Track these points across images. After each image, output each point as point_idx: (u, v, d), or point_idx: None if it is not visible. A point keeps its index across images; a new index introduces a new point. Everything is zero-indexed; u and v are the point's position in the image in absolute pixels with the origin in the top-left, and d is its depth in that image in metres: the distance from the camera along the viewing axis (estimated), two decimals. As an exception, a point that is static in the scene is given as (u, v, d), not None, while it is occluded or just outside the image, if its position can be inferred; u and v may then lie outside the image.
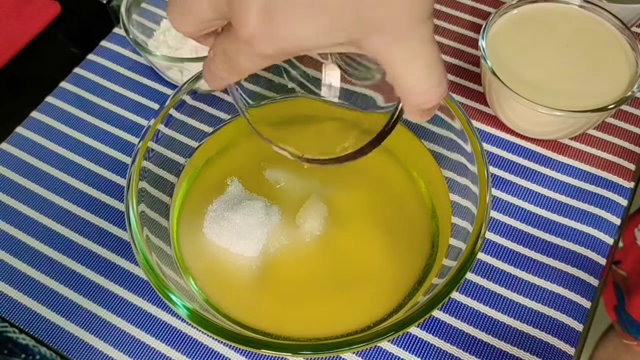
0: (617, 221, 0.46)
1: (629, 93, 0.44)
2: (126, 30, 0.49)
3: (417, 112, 0.27)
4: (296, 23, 0.24)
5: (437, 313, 0.43)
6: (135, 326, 0.43)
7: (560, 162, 0.49)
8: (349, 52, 0.26)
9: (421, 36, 0.25)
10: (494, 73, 0.45)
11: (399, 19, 0.24)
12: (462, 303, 0.43)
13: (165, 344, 0.42)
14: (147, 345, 0.42)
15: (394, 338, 0.38)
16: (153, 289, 0.35)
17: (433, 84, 0.25)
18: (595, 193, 0.47)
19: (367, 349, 0.41)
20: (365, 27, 0.24)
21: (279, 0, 0.23)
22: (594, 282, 0.43)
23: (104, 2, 0.58)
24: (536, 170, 0.48)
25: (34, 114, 0.53)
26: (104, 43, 0.57)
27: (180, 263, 0.41)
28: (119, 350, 0.42)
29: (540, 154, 0.49)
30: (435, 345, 0.41)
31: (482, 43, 0.47)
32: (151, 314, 0.43)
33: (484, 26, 0.48)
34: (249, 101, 0.34)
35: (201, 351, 0.42)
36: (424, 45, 0.25)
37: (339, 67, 0.32)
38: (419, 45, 0.25)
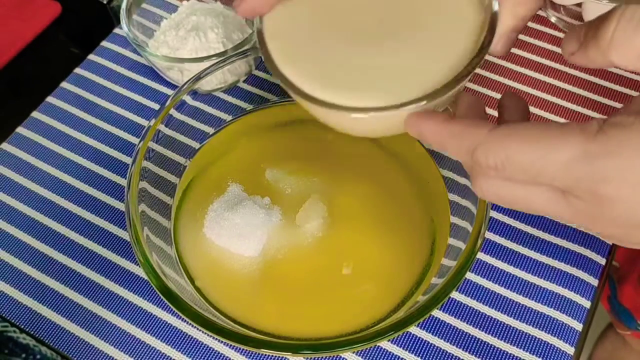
0: (617, 221, 0.46)
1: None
2: (126, 31, 0.50)
3: (511, 21, 0.26)
4: None
5: (437, 313, 0.43)
6: (136, 326, 0.43)
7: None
8: None
9: None
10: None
11: None
12: (462, 303, 0.43)
13: (166, 343, 0.42)
14: (148, 345, 0.42)
15: (393, 338, 0.38)
16: (153, 289, 0.35)
17: None
18: (595, 193, 0.47)
19: (367, 348, 0.41)
20: None
21: None
22: (594, 282, 0.44)
23: (104, 2, 0.58)
24: (536, 170, 0.48)
25: (35, 114, 0.53)
26: (104, 43, 0.57)
27: (180, 263, 0.41)
28: (119, 350, 0.42)
29: (540, 154, 0.49)
30: (435, 345, 0.42)
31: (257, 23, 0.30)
32: (151, 314, 0.43)
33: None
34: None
35: (201, 351, 0.42)
36: None
37: None
38: None
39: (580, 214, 0.23)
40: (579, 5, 0.53)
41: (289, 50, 0.29)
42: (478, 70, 0.54)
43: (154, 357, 0.42)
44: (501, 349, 0.41)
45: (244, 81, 0.52)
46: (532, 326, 0.42)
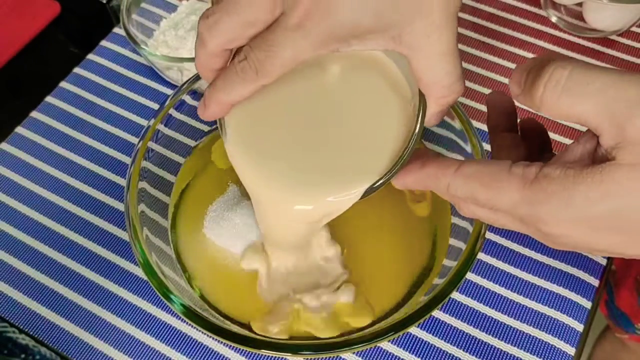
0: (617, 221, 0.46)
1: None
2: (126, 30, 0.49)
3: (437, 108, 0.29)
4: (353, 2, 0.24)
5: (437, 313, 0.43)
6: (135, 326, 0.43)
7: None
8: (384, 48, 0.27)
9: (453, 31, 0.26)
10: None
11: (440, 7, 0.25)
12: (462, 303, 0.43)
13: (165, 344, 0.42)
14: (147, 345, 0.42)
15: (394, 338, 0.38)
16: (153, 289, 0.35)
17: (457, 77, 0.27)
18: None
19: (367, 349, 0.41)
20: (412, 12, 0.25)
21: None
22: (594, 282, 0.43)
23: (104, 2, 0.58)
24: (536, 170, 0.48)
25: (34, 114, 0.53)
26: (103, 43, 0.56)
27: (179, 263, 0.41)
28: (118, 350, 0.42)
29: (540, 154, 0.49)
30: (435, 345, 0.41)
31: None
32: (151, 314, 0.43)
33: None
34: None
35: (201, 351, 0.42)
36: (454, 40, 0.26)
37: None
38: (451, 39, 0.26)
39: (541, 239, 0.26)
40: (580, 4, 0.53)
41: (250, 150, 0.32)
42: (479, 70, 0.54)
43: (153, 357, 0.41)
44: (502, 350, 0.41)
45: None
46: (533, 326, 0.42)
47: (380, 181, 0.30)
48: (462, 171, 0.27)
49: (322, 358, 0.40)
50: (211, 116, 0.30)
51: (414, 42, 0.26)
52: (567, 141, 0.50)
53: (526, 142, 0.31)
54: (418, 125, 0.29)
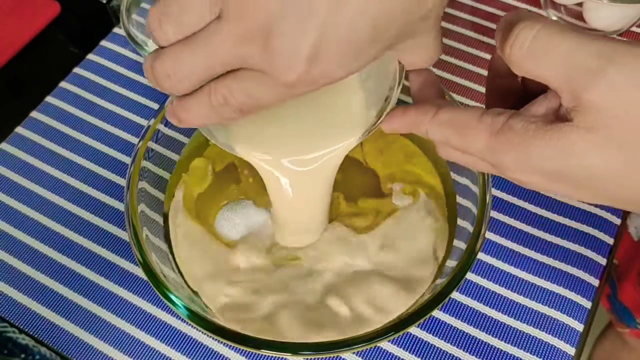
0: (617, 221, 0.46)
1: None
2: (126, 30, 0.49)
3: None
4: (349, 61, 0.25)
5: (437, 313, 0.43)
6: (135, 326, 0.43)
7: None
8: None
9: (438, 27, 0.28)
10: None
11: (429, 25, 0.27)
12: (462, 303, 0.43)
13: (165, 344, 0.42)
14: (147, 345, 0.42)
15: (394, 338, 0.38)
16: (152, 289, 0.35)
17: (438, 53, 0.30)
18: (595, 193, 0.47)
19: (367, 349, 0.41)
20: (403, 38, 0.26)
21: (332, 42, 0.23)
22: (594, 282, 0.43)
23: (104, 1, 0.58)
24: (536, 170, 0.48)
25: (34, 114, 0.53)
26: (103, 43, 0.57)
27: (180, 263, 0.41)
28: (118, 350, 0.42)
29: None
30: (435, 345, 0.41)
31: None
32: (151, 314, 0.43)
33: None
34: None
35: (201, 351, 0.42)
36: (438, 31, 0.28)
37: None
38: (437, 34, 0.28)
39: (512, 181, 0.28)
40: (580, 4, 0.53)
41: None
42: (479, 69, 0.54)
43: (153, 357, 0.41)
44: (501, 350, 0.41)
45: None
46: (533, 326, 0.42)
47: (374, 124, 0.33)
48: (438, 118, 0.29)
49: (322, 358, 0.40)
50: (186, 127, 0.30)
51: (401, 48, 0.27)
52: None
53: (525, 89, 0.32)
54: (399, 79, 0.32)
